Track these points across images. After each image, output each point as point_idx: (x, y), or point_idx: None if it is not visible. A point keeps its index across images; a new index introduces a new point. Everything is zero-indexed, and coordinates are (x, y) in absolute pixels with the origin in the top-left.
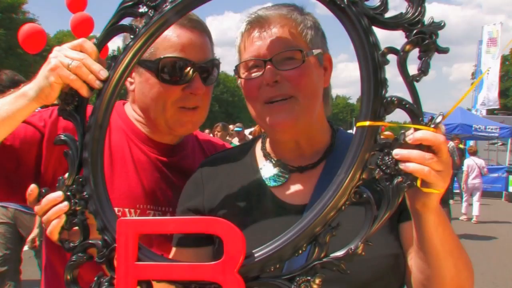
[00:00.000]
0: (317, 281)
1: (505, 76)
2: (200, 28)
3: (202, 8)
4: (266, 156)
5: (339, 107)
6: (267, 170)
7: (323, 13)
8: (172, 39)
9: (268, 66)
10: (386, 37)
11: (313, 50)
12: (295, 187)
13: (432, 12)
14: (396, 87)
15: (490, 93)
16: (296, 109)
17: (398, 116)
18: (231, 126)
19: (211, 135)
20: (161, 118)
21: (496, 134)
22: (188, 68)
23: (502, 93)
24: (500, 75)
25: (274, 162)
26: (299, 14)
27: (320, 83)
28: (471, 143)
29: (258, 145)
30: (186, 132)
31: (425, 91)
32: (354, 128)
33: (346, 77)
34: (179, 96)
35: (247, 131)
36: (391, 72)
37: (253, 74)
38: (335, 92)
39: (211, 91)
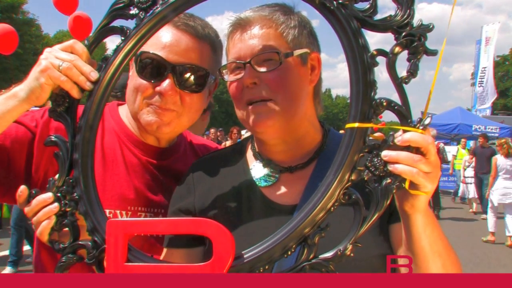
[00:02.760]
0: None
1: (505, 76)
2: (193, 33)
3: (201, 7)
4: (256, 156)
5: (339, 107)
6: (257, 170)
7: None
8: (159, 36)
9: (247, 68)
10: (385, 37)
11: (295, 51)
12: (285, 188)
13: (432, 12)
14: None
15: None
16: (275, 111)
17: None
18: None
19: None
20: (134, 111)
21: (496, 134)
22: (162, 68)
23: (503, 93)
24: (500, 75)
25: (264, 162)
26: (282, 14)
27: (304, 83)
28: (471, 143)
29: (249, 145)
30: (157, 132)
31: (424, 91)
32: None
33: (346, 77)
34: (150, 93)
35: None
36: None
37: (235, 76)
38: (335, 92)
39: (195, 99)
